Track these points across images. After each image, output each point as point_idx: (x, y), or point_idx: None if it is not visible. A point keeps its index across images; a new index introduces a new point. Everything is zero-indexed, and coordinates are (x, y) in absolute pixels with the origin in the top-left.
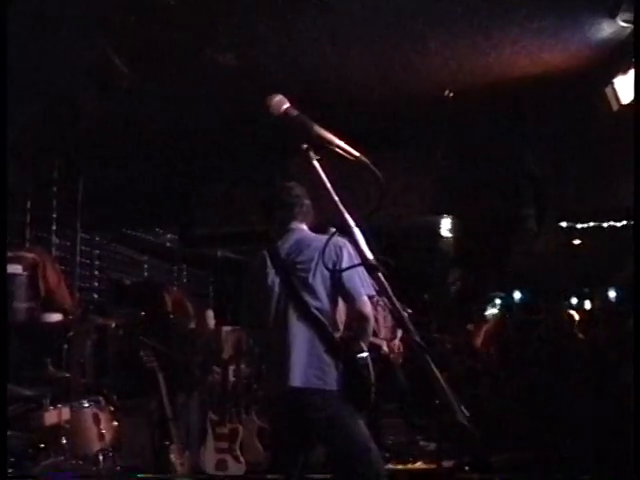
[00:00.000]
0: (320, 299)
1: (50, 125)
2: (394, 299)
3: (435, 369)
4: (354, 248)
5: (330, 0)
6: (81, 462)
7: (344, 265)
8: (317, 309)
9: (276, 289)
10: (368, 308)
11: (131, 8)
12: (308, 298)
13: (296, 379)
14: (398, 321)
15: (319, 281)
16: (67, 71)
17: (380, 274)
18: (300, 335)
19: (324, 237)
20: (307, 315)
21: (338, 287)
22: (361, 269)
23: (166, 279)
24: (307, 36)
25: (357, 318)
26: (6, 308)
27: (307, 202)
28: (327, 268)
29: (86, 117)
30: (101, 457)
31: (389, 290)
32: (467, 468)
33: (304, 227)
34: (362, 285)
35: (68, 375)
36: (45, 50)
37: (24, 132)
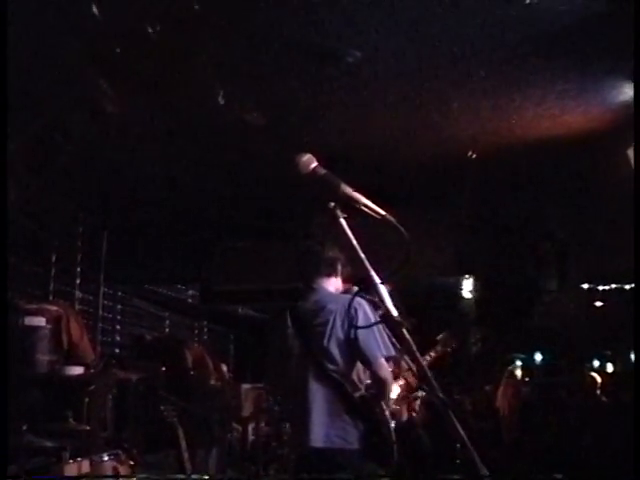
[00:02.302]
0: (336, 362)
1: (74, 179)
2: (418, 355)
3: (458, 425)
4: (373, 308)
5: (354, 62)
6: None
7: (359, 328)
8: (334, 372)
9: (295, 350)
10: (384, 371)
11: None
12: (324, 361)
13: (317, 439)
14: (421, 377)
15: (334, 344)
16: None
17: (404, 330)
18: (319, 395)
19: (342, 297)
20: (325, 377)
21: (354, 350)
22: (379, 330)
23: (187, 335)
24: (332, 97)
25: (374, 381)
26: (6, 308)
27: (333, 260)
28: (342, 331)
29: (112, 172)
30: None
31: (413, 346)
32: None
33: (327, 286)
34: (379, 347)
35: (88, 428)
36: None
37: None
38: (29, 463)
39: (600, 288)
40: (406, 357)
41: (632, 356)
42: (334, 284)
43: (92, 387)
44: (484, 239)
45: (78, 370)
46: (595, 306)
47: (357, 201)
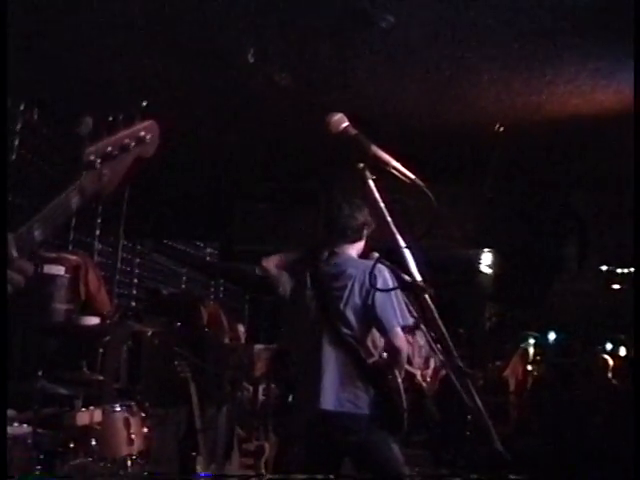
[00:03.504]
0: (351, 327)
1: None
2: (439, 322)
3: (475, 394)
4: (393, 275)
5: (388, 27)
6: (109, 465)
7: (378, 294)
8: (348, 336)
9: (312, 312)
10: (400, 340)
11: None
12: (339, 325)
13: (328, 402)
14: (442, 344)
15: (350, 310)
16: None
17: (427, 296)
18: (333, 359)
19: (363, 263)
20: (339, 341)
21: (371, 317)
22: (397, 298)
23: (203, 292)
24: (363, 60)
25: (389, 350)
26: (6, 307)
27: (361, 226)
28: (360, 297)
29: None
30: (129, 462)
31: (435, 312)
32: None
33: (351, 251)
34: (395, 315)
35: (102, 378)
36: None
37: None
38: (42, 409)
39: (618, 271)
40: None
41: None
42: (357, 248)
43: (107, 338)
44: (506, 214)
45: (94, 320)
46: (612, 289)
47: (387, 163)
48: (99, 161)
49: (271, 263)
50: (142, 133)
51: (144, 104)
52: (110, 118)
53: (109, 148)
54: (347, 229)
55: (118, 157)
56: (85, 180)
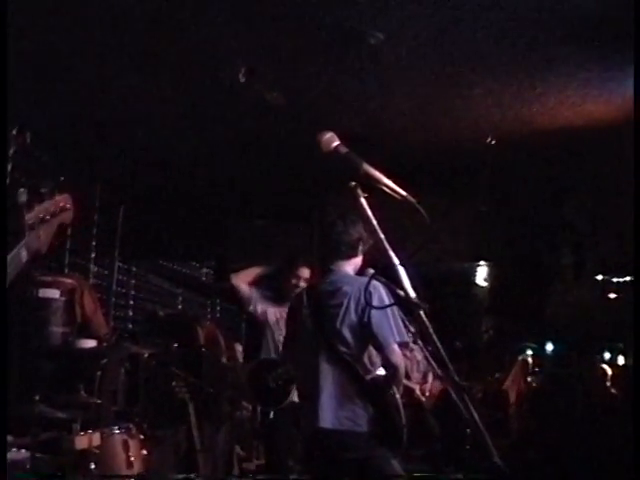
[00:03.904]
0: (348, 344)
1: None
2: (434, 337)
3: (473, 409)
4: (389, 292)
5: (377, 44)
6: None
7: (374, 311)
8: (345, 354)
9: (309, 330)
10: (397, 357)
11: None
12: (336, 343)
13: (326, 420)
14: (437, 360)
15: (347, 327)
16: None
17: (422, 312)
18: (330, 377)
19: (358, 280)
20: (336, 359)
21: (367, 334)
22: (393, 315)
23: (200, 312)
24: (353, 77)
25: (386, 366)
26: (6, 306)
27: (356, 242)
28: (356, 314)
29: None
30: None
31: (430, 328)
32: None
33: (346, 267)
34: (392, 332)
35: (100, 401)
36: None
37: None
38: (41, 434)
39: (615, 280)
40: (419, 342)
41: None
42: (353, 264)
43: (104, 361)
44: (500, 226)
45: (91, 343)
46: (609, 298)
47: (378, 181)
48: (37, 224)
49: (241, 280)
50: (62, 203)
51: (62, 179)
52: (41, 190)
53: (42, 214)
54: (341, 245)
55: (48, 222)
56: (29, 239)
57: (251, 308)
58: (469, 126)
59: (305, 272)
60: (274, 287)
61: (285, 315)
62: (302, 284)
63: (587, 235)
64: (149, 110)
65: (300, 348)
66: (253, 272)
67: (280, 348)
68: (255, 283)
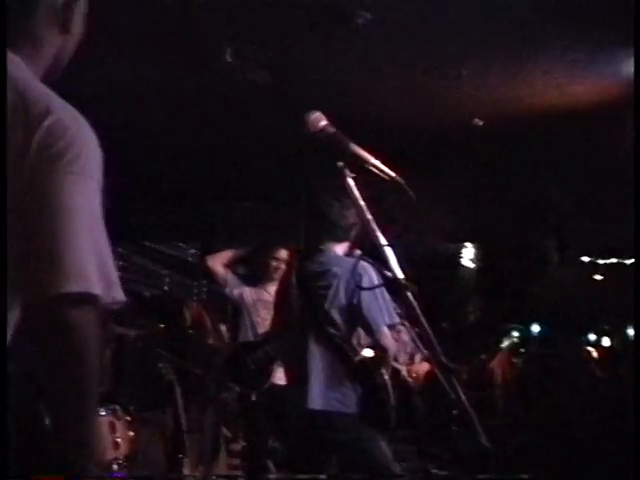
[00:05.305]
0: (337, 326)
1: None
2: (422, 318)
3: (460, 390)
4: (378, 273)
5: (364, 23)
6: (95, 469)
7: (363, 293)
8: (334, 335)
9: (297, 311)
10: (387, 339)
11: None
12: (325, 324)
13: (315, 402)
14: (425, 341)
15: (336, 308)
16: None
17: (409, 293)
18: (318, 358)
19: (348, 261)
20: (325, 340)
21: (356, 316)
22: (383, 297)
23: (186, 294)
24: (340, 57)
25: (376, 348)
26: (6, 306)
27: (350, 227)
28: (346, 296)
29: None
30: (115, 466)
31: (417, 309)
32: None
33: (336, 248)
34: (382, 314)
35: None
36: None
37: None
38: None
39: (600, 262)
40: (406, 323)
41: (629, 331)
42: (343, 247)
43: None
44: (485, 207)
45: None
46: (594, 279)
47: (366, 161)
48: None
49: (217, 262)
50: None
51: None
52: None
53: None
54: (336, 228)
55: None
56: None
57: (227, 290)
58: (456, 107)
59: (283, 253)
60: (251, 269)
61: (262, 297)
62: (282, 266)
63: (573, 217)
64: (133, 89)
65: (289, 329)
66: (229, 254)
67: (257, 330)
68: (231, 265)
